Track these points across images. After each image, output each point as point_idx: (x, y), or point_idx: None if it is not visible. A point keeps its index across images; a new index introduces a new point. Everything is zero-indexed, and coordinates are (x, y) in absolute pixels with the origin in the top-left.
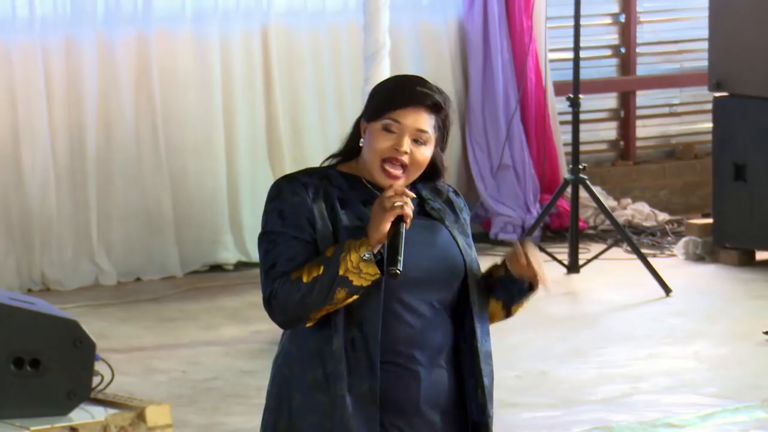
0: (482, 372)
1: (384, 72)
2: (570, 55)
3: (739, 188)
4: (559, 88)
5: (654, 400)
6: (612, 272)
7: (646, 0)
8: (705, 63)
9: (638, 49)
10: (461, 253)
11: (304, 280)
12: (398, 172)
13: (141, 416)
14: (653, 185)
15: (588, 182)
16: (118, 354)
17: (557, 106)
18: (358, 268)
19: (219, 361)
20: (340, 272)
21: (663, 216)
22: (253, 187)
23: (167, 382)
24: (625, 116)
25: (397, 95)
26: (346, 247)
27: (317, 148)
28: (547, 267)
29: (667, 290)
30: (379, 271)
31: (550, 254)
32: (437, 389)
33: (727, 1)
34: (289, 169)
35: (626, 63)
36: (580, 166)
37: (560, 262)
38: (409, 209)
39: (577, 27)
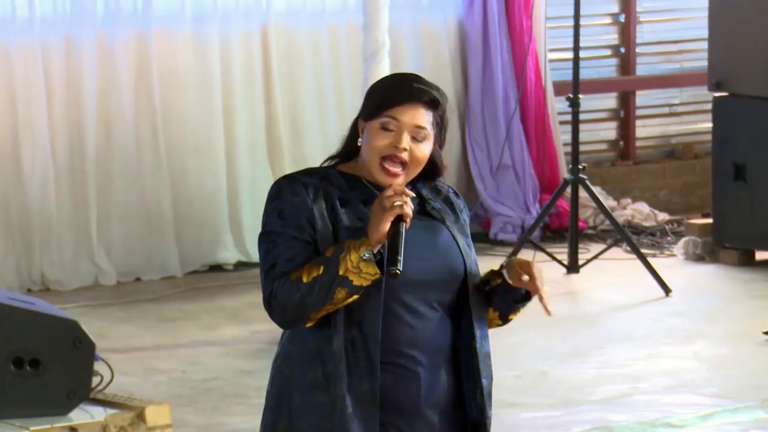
0: (481, 373)
1: (384, 72)
2: (570, 55)
3: (739, 188)
4: (559, 88)
5: (654, 400)
6: (612, 272)
7: (646, 0)
8: (705, 63)
9: (638, 49)
10: (461, 254)
11: (304, 280)
12: (398, 169)
13: (141, 416)
14: (653, 185)
15: (588, 182)
16: (117, 354)
17: (557, 106)
18: (358, 267)
19: (219, 361)
20: (340, 272)
21: (663, 216)
22: (253, 187)
23: (167, 382)
24: (625, 116)
25: (394, 93)
26: (346, 247)
27: (317, 148)
28: (546, 267)
29: (667, 290)
30: (379, 271)
31: (549, 254)
32: (437, 390)
33: (727, 1)
34: (288, 169)
35: (626, 63)
36: (580, 166)
37: (560, 262)
38: (409, 209)
39: (576, 27)
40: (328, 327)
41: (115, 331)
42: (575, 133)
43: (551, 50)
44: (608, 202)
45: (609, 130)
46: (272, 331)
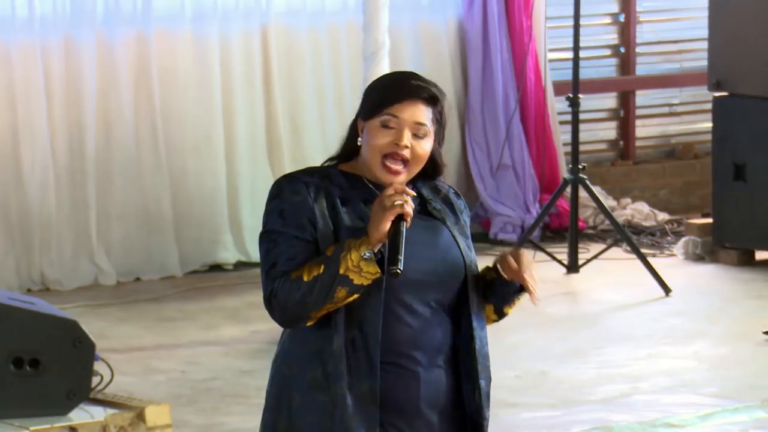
0: (479, 374)
1: (383, 72)
2: (569, 54)
3: (738, 188)
4: (559, 88)
5: (654, 400)
6: (612, 272)
7: (646, 0)
8: (705, 63)
9: (638, 49)
10: (462, 254)
11: (305, 279)
12: (399, 167)
13: (140, 416)
14: (653, 185)
15: (587, 182)
16: (117, 354)
17: (557, 105)
18: (359, 267)
19: (218, 361)
20: (341, 271)
21: (663, 216)
22: (252, 186)
23: (167, 382)
24: (625, 116)
25: (393, 91)
26: (347, 246)
27: (317, 148)
28: (547, 267)
29: (667, 290)
30: (379, 270)
31: (549, 254)
32: (436, 389)
33: (727, 1)
34: (288, 168)
35: (626, 63)
36: (580, 166)
37: (560, 261)
38: (410, 208)
39: (576, 27)
40: (328, 326)
41: (115, 331)
42: (575, 132)
43: (551, 50)
44: (608, 202)
45: (609, 130)
46: (272, 330)
